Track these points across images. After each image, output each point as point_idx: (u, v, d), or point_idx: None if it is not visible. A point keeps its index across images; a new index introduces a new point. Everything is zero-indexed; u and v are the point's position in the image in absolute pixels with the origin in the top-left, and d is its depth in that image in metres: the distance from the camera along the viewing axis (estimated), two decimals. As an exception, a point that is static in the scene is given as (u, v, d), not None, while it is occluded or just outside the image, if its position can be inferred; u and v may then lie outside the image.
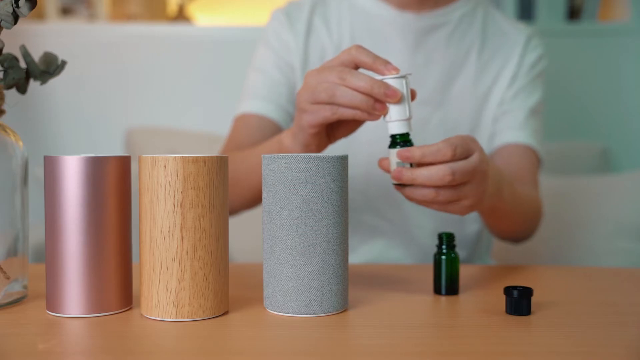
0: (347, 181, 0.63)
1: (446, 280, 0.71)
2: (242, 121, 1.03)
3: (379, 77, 0.68)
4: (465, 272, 0.82)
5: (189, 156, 0.59)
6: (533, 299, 0.66)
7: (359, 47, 0.70)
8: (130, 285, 0.64)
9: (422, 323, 0.61)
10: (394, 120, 0.69)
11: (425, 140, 1.03)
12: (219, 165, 0.61)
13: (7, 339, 0.55)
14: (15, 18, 0.63)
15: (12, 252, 0.66)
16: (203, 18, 2.51)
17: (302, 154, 0.61)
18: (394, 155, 0.69)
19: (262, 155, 0.64)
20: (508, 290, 0.63)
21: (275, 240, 0.62)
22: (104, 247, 0.61)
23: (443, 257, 0.71)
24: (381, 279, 0.78)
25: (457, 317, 0.63)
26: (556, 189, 1.61)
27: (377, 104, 0.68)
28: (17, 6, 0.62)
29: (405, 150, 0.66)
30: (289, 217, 0.61)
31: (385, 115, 0.69)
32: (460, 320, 0.62)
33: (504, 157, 1.03)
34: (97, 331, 0.57)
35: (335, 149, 1.00)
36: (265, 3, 1.72)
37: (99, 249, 0.61)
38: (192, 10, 2.41)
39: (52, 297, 0.62)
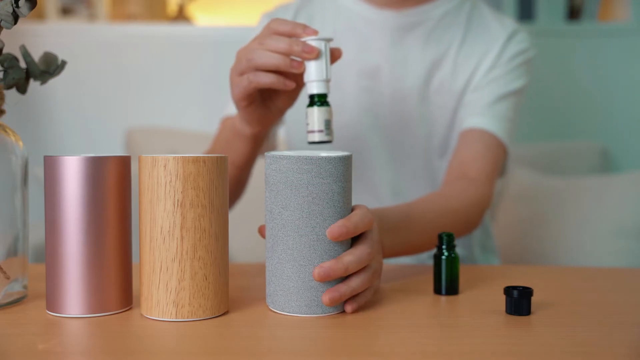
0: (350, 182, 0.63)
1: (446, 280, 0.70)
2: (226, 123, 1.03)
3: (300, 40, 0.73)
4: (465, 272, 0.82)
5: (189, 156, 0.59)
6: (533, 299, 0.66)
7: (276, 19, 0.73)
8: (130, 285, 0.64)
9: (422, 323, 0.60)
10: (314, 80, 0.73)
11: (408, 136, 1.02)
12: (219, 165, 0.61)
13: (7, 339, 0.55)
14: (15, 18, 0.63)
15: (12, 252, 0.66)
16: (203, 18, 2.51)
17: (304, 155, 0.60)
18: (311, 114, 0.74)
19: (265, 154, 0.63)
20: (508, 290, 0.63)
21: (277, 240, 0.62)
22: (104, 247, 0.61)
23: (443, 257, 0.71)
24: (381, 279, 0.78)
25: (457, 317, 0.63)
26: (556, 189, 1.61)
27: (294, 62, 0.71)
28: (17, 6, 0.62)
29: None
30: (290, 217, 0.61)
31: (303, 73, 0.73)
32: (460, 320, 0.62)
33: (459, 145, 0.99)
34: (97, 331, 0.57)
35: (334, 149, 1.00)
36: (265, 3, 1.72)
37: (99, 249, 0.61)
38: (192, 10, 2.41)
39: (52, 297, 0.62)
